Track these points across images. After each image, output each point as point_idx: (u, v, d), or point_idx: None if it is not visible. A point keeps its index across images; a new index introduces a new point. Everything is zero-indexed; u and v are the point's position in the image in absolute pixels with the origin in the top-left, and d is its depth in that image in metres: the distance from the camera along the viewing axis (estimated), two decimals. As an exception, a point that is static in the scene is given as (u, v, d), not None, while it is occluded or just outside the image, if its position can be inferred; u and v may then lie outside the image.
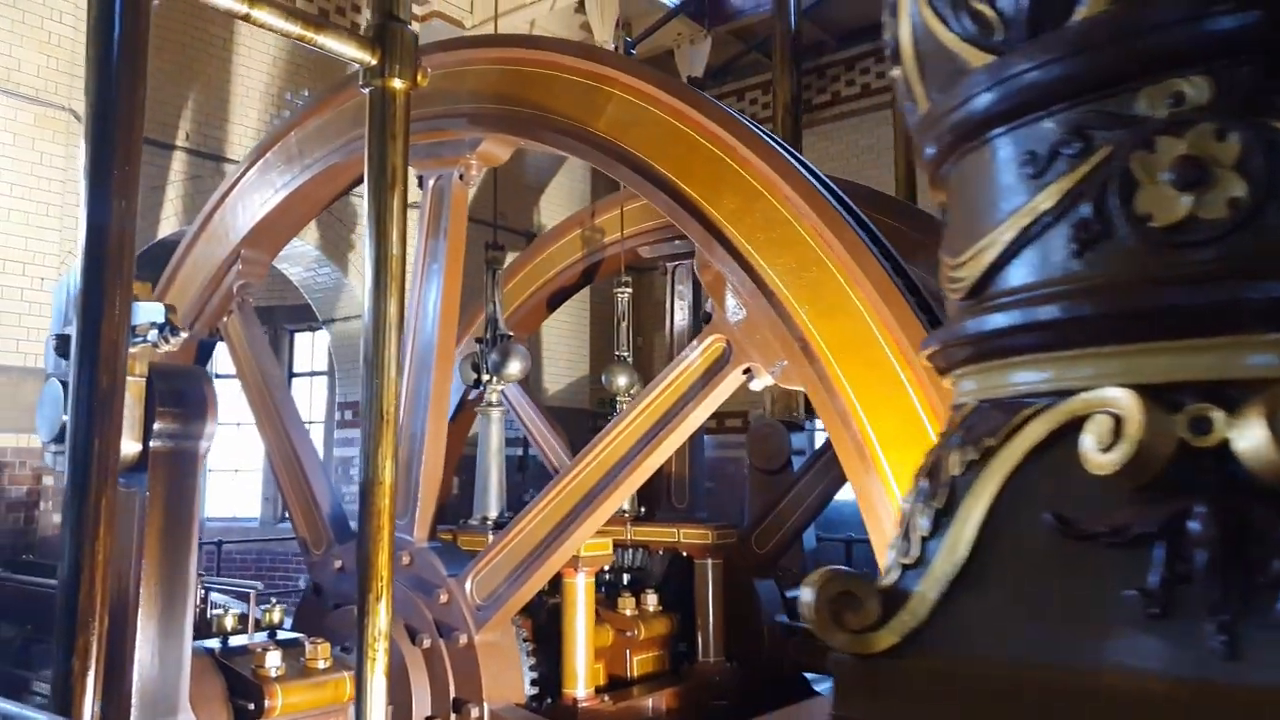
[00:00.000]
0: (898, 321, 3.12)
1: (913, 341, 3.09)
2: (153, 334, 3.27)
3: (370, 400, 3.21)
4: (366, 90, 3.35)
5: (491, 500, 5.18)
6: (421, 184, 4.82)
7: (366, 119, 3.38)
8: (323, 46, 3.22)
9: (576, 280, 7.19)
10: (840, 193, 3.45)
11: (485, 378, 5.24)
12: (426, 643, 4.32)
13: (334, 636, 4.41)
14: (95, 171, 2.61)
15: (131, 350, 3.13)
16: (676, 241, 6.66)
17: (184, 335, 3.41)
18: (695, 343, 3.74)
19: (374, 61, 3.30)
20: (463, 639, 4.23)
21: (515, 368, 5.08)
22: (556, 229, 7.27)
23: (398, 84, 3.28)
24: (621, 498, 4.04)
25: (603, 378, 5.98)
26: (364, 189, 2.95)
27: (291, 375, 10.22)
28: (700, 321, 6.80)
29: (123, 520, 3.27)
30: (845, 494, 6.70)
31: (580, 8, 8.95)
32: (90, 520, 2.54)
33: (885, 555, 3.16)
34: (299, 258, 8.37)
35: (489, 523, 5.11)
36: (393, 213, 3.29)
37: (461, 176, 4.67)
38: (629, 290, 6.15)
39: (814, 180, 3.40)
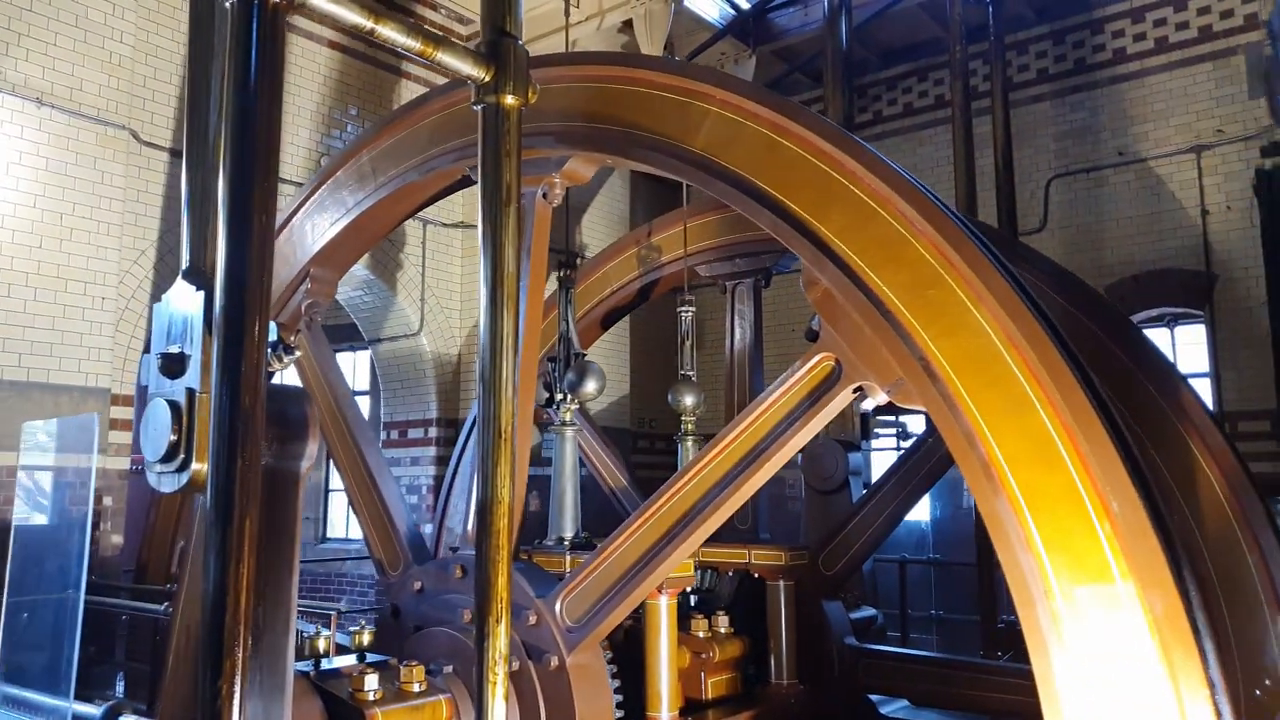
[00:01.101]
0: (1026, 339, 3.06)
1: (1042, 359, 3.04)
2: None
3: (487, 418, 3.16)
4: (479, 107, 3.33)
5: (567, 521, 5.12)
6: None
7: (479, 136, 3.35)
8: (440, 62, 3.20)
9: (632, 299, 7.17)
10: (952, 208, 3.41)
11: (559, 397, 5.19)
12: (514, 665, 4.25)
13: (414, 658, 4.35)
14: (234, 187, 2.57)
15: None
16: (738, 260, 6.66)
17: (297, 354, 3.38)
18: (802, 361, 3.68)
19: (487, 78, 3.27)
20: (553, 661, 4.16)
21: (591, 386, 5.03)
22: (612, 248, 7.25)
23: (511, 100, 3.26)
24: (720, 519, 3.98)
25: (669, 396, 5.93)
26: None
27: (332, 394, 10.19)
28: (760, 341, 6.78)
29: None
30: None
31: (624, 29, 8.98)
32: (235, 541, 2.49)
33: (1014, 578, 3.07)
34: (346, 278, 8.35)
35: (565, 543, 5.05)
36: (508, 230, 3.26)
37: (545, 195, 4.64)
38: (692, 309, 6.11)
39: (929, 195, 3.36)
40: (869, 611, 6.76)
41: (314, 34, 8.05)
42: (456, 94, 5.04)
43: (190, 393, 3.04)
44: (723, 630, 5.44)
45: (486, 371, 3.19)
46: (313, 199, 5.66)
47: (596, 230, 10.20)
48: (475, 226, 9.05)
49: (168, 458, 3.03)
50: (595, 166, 4.62)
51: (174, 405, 3.04)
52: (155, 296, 6.77)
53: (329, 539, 10.19)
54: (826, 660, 5.82)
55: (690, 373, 6.02)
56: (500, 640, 3.16)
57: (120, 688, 6.43)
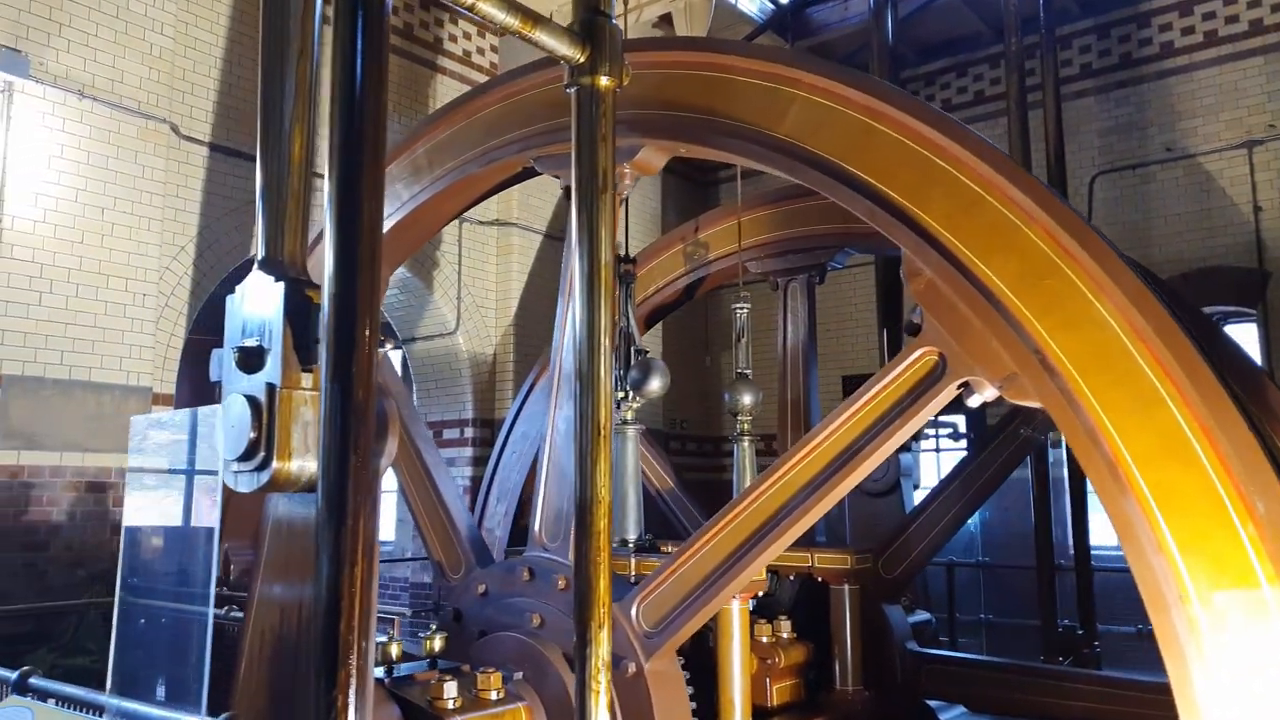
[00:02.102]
0: (1156, 332, 2.91)
1: (1174, 352, 2.88)
2: (352, 345, 3.09)
3: (585, 416, 3.01)
4: (572, 90, 3.18)
5: (630, 522, 4.97)
6: (569, 193, 4.64)
7: (573, 119, 3.20)
8: (537, 41, 3.06)
9: (678, 297, 7.04)
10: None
11: (620, 395, 5.05)
12: (588, 673, 4.10)
13: (482, 665, 4.20)
14: (342, 177, 2.40)
15: (319, 366, 2.95)
16: (791, 256, 6.52)
17: (389, 348, 3.24)
18: (902, 355, 3.53)
19: (582, 58, 3.13)
20: (631, 668, 4.01)
21: (656, 384, 4.88)
22: (656, 245, 7.12)
23: (605, 81, 3.11)
24: (808, 523, 3.82)
25: (725, 396, 5.78)
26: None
27: (362, 395, 10.05)
28: (814, 339, 6.63)
29: (305, 543, 3.08)
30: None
31: (660, 23, 8.85)
32: (349, 544, 2.34)
33: (1145, 583, 2.91)
34: (381, 275, 8.23)
35: (629, 545, 4.91)
36: (603, 218, 3.12)
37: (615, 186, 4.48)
38: (748, 306, 5.96)
39: (1041, 181, 3.21)
40: (923, 616, 6.60)
41: (351, 27, 7.92)
42: (517, 84, 4.90)
43: (270, 388, 2.90)
44: (785, 635, 5.30)
45: (584, 367, 3.03)
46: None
47: (632, 230, 10.06)
48: (512, 224, 8.95)
49: (247, 456, 2.88)
50: (667, 156, 4.47)
51: (253, 401, 2.89)
52: (195, 293, 6.64)
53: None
54: (889, 666, 5.67)
55: (748, 371, 5.87)
56: (603, 648, 3.00)
57: (161, 692, 6.29)
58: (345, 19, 2.33)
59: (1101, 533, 7.53)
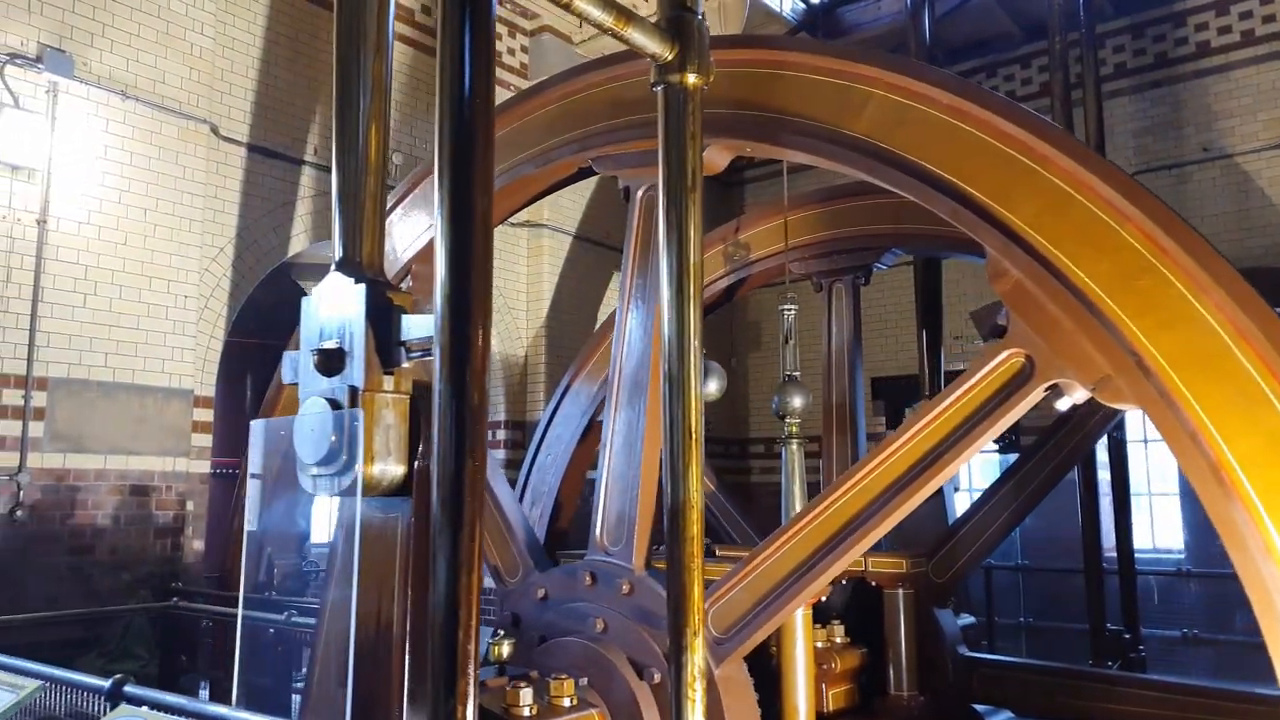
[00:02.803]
0: (1260, 331, 2.86)
1: (1280, 352, 2.83)
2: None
3: (675, 418, 2.97)
4: (659, 88, 3.14)
5: (686, 526, 4.91)
6: (628, 195, 4.60)
7: (661, 117, 3.16)
8: (627, 38, 3.03)
9: (719, 298, 6.98)
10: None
11: (675, 397, 4.98)
12: (656, 677, 4.05)
13: (544, 671, 4.15)
14: (454, 178, 2.36)
15: (404, 366, 2.90)
16: (836, 256, 6.46)
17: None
18: (987, 357, 3.48)
19: (670, 56, 3.09)
20: (700, 675, 3.95)
21: (713, 387, 4.85)
22: (719, 233, 7.02)
23: (694, 79, 3.08)
24: (887, 527, 3.76)
25: (774, 399, 5.72)
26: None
27: (390, 397, 10.02)
28: (859, 342, 6.57)
29: (386, 548, 3.04)
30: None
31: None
32: (466, 549, 2.29)
33: (1254, 589, 2.85)
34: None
35: (686, 550, 4.84)
36: (693, 219, 3.08)
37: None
38: (795, 307, 5.89)
39: (1134, 179, 3.16)
40: (968, 619, 6.55)
41: (385, 27, 7.88)
42: (574, 83, 4.85)
43: (353, 390, 2.85)
44: (839, 640, 5.24)
45: (674, 369, 3.00)
46: (414, 193, 5.47)
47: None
48: (543, 226, 8.90)
49: (328, 460, 2.83)
50: (731, 156, 4.42)
51: (334, 404, 2.84)
52: (234, 295, 6.59)
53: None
54: (941, 671, 5.62)
55: (796, 373, 5.82)
56: (698, 654, 2.96)
57: (205, 696, 6.23)
58: (452, 19, 2.29)
59: (1142, 536, 7.48)
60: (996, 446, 8.74)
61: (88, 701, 2.71)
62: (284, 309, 8.38)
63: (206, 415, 6.28)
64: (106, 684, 2.62)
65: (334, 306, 2.84)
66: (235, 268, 6.66)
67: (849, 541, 3.72)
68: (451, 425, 2.29)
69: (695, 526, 2.95)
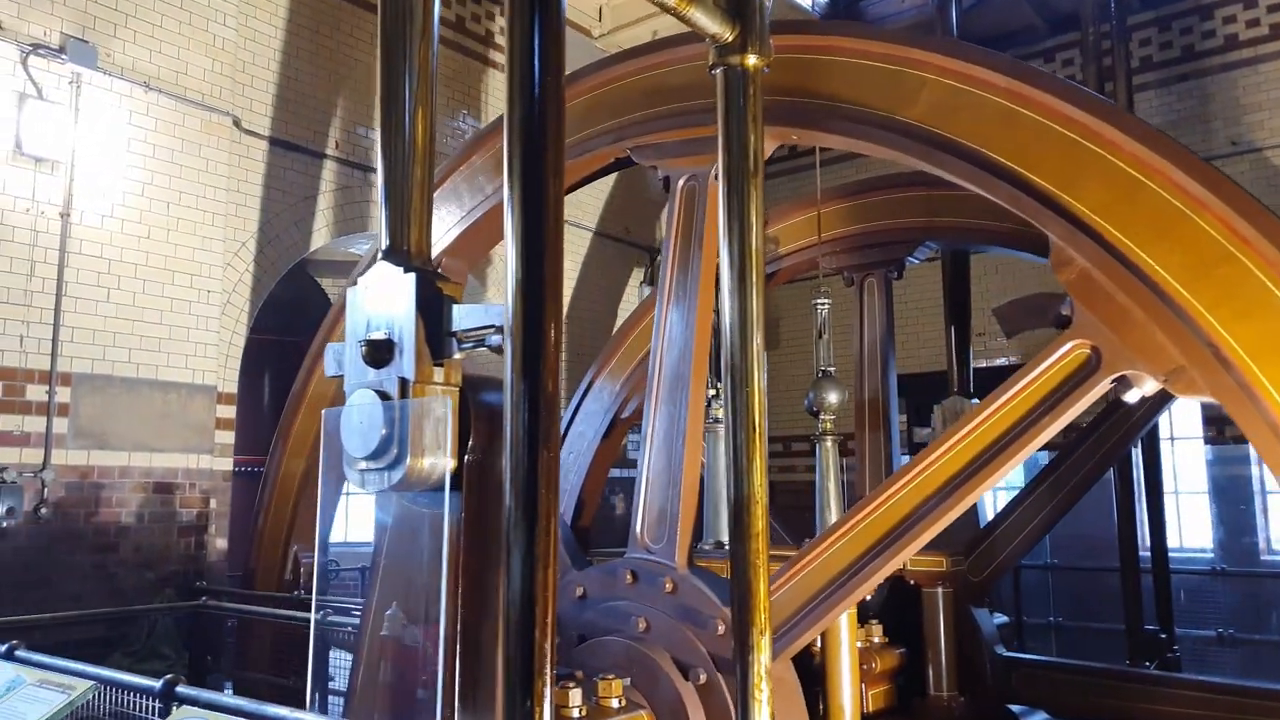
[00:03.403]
0: (1347, 320, 2.77)
1: (1369, 343, 2.74)
2: (494, 338, 2.94)
3: (738, 411, 2.88)
4: (718, 70, 3.05)
5: (724, 524, 4.83)
6: (668, 185, 4.50)
7: (720, 101, 3.08)
8: (690, 19, 2.95)
9: (745, 293, 6.85)
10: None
11: (712, 393, 4.91)
12: (702, 678, 3.96)
13: (586, 671, 4.06)
14: (525, 170, 2.28)
15: (455, 357, 2.80)
16: (868, 250, 6.37)
17: None
18: (1051, 349, 3.38)
19: (731, 37, 3.00)
20: (748, 675, 3.86)
21: (833, 398, 4.78)
22: (722, 240, 6.94)
23: (754, 61, 2.99)
24: (945, 523, 3.67)
25: (809, 394, 5.63)
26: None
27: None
28: (891, 337, 6.47)
29: (435, 544, 2.95)
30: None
31: (712, 16, 8.70)
32: (543, 544, 2.20)
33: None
34: (434, 272, 8.09)
35: (725, 548, 4.76)
36: (754, 204, 2.99)
37: (717, 175, 4.34)
38: (829, 302, 5.80)
39: (1209, 164, 3.07)
40: (1001, 618, 6.46)
41: (406, 20, 7.79)
42: (609, 72, 4.77)
43: (403, 382, 2.76)
44: (877, 640, 5.15)
45: (735, 359, 2.91)
46: (444, 186, 5.38)
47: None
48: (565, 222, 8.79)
49: (377, 453, 2.74)
50: (776, 144, 4.32)
51: (383, 396, 2.75)
52: (255, 290, 6.50)
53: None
54: (979, 670, 5.52)
55: (831, 369, 5.72)
56: (765, 654, 2.88)
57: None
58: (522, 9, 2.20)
59: (1174, 534, 7.38)
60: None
61: (133, 702, 2.62)
62: (301, 305, 8.29)
63: (229, 412, 6.19)
64: (158, 684, 2.53)
65: (381, 297, 2.75)
66: (257, 262, 6.57)
67: (905, 539, 3.63)
68: (525, 415, 2.20)
69: (760, 523, 2.86)
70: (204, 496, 5.86)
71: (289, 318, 7.88)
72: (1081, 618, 7.50)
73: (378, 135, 2.88)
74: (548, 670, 2.16)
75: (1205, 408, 8.16)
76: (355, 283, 2.81)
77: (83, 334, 5.40)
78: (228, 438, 6.17)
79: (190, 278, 5.91)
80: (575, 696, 3.48)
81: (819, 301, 5.95)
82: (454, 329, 2.79)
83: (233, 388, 6.30)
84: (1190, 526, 8.25)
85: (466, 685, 3.09)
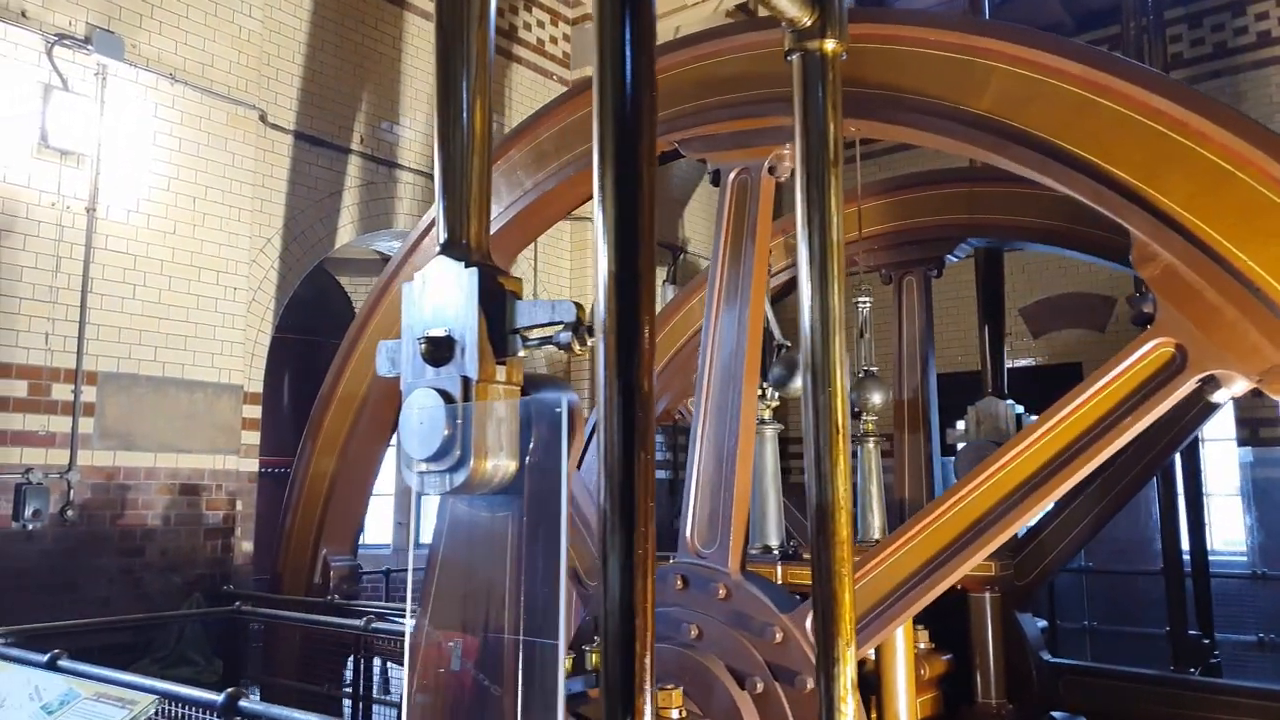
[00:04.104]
0: None
1: None
2: (563, 335, 2.81)
3: (820, 410, 2.76)
4: (795, 56, 2.93)
5: (771, 528, 4.70)
6: (717, 178, 4.38)
7: (797, 87, 2.96)
8: (770, 3, 2.83)
9: (779, 291, 6.76)
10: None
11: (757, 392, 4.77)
12: (759, 687, 3.83)
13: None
14: (618, 161, 2.17)
15: (519, 355, 2.68)
16: (907, 248, 6.25)
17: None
18: (1132, 347, 3.26)
19: (809, 21, 2.88)
20: (809, 684, 3.73)
21: (877, 399, 4.65)
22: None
23: (832, 46, 2.87)
24: (1018, 526, 3.56)
25: (851, 395, 5.50)
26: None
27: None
28: (931, 336, 6.36)
29: (497, 549, 2.83)
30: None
31: (736, 11, 8.60)
32: (641, 551, 2.08)
33: None
34: (456, 270, 7.97)
35: (773, 552, 4.63)
36: (833, 193, 2.87)
37: (772, 170, 4.24)
38: (870, 300, 5.67)
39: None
40: (1041, 623, 6.34)
41: (428, 12, 7.65)
42: (658, 62, 4.64)
43: (466, 381, 2.63)
44: (924, 646, 5.03)
45: (817, 357, 2.78)
46: (479, 179, 5.26)
47: (697, 223, 9.80)
48: (587, 218, 8.67)
49: (440, 455, 2.62)
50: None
51: (446, 396, 2.62)
52: (281, 288, 6.37)
53: (423, 544, 9.75)
54: (1025, 677, 5.40)
55: (874, 368, 5.60)
56: (851, 665, 2.75)
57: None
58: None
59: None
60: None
61: (192, 717, 2.50)
62: (320, 304, 8.16)
63: (255, 412, 6.06)
64: (220, 698, 2.40)
65: (440, 292, 2.63)
66: (282, 259, 6.44)
67: (977, 543, 3.51)
68: (620, 416, 2.08)
69: (845, 529, 2.73)
70: (230, 498, 5.73)
71: (307, 316, 7.75)
72: (1116, 622, 7.39)
73: (435, 125, 2.76)
74: (648, 686, 2.04)
75: (1239, 409, 8.05)
76: (412, 278, 2.69)
77: (108, 332, 5.27)
78: (253, 438, 6.04)
79: (216, 274, 5.78)
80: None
81: (860, 300, 5.82)
82: (517, 326, 2.67)
83: (258, 387, 6.18)
84: (1221, 529, 8.14)
85: (530, 697, 2.96)
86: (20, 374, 4.91)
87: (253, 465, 6.02)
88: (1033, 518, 3.49)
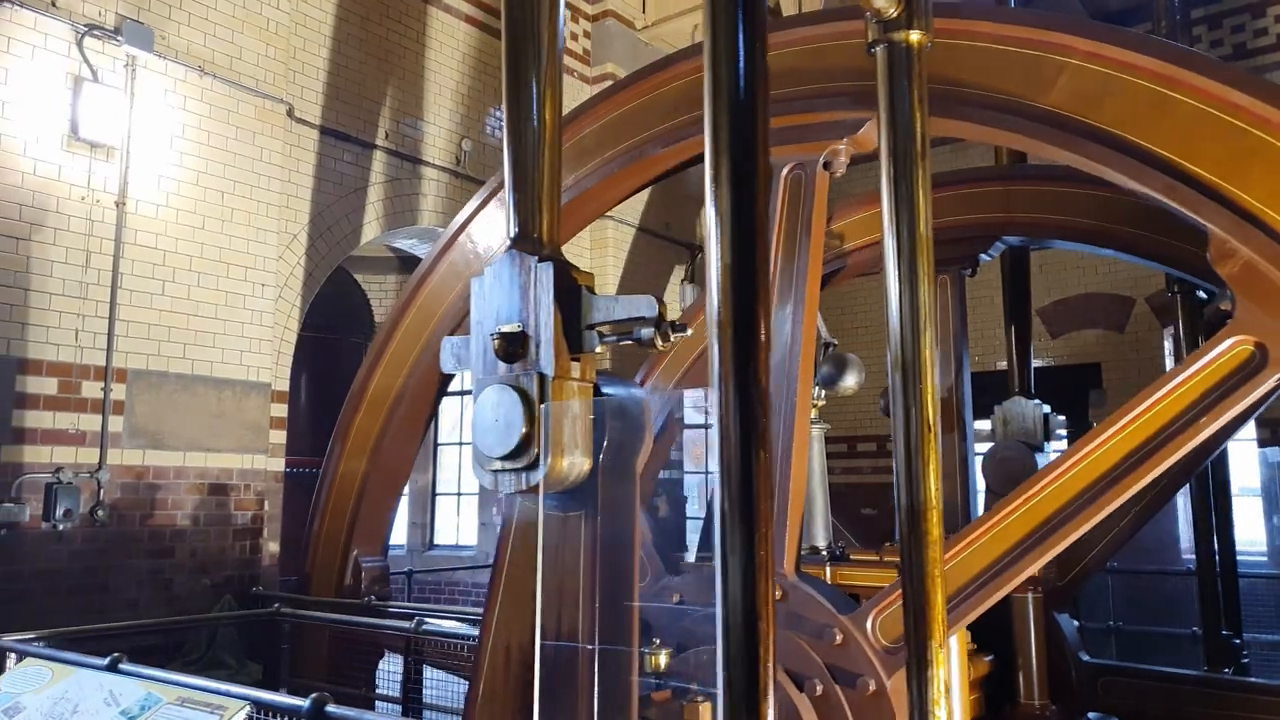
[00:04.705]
0: None
1: None
2: (644, 331, 2.75)
3: (910, 409, 2.70)
4: (879, 48, 2.87)
5: (819, 528, 4.65)
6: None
7: (882, 79, 2.90)
8: (862, -9, 2.77)
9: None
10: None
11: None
12: (819, 689, 3.78)
13: (683, 681, 3.88)
14: (734, 155, 2.10)
15: (597, 350, 2.61)
16: (941, 246, 6.18)
17: (689, 331, 2.92)
18: (1210, 345, 3.23)
19: (896, 11, 2.82)
20: (870, 686, 3.69)
21: (851, 380, 4.58)
22: (779, 236, 6.78)
23: (917, 37, 2.81)
24: (1089, 526, 3.52)
25: (881, 398, 5.46)
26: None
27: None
28: (965, 335, 6.32)
29: (571, 551, 2.77)
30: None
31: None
32: (762, 554, 2.02)
33: None
34: (477, 267, 7.88)
35: (821, 553, 4.58)
36: (922, 188, 2.81)
37: (827, 165, 4.18)
38: (908, 298, 5.60)
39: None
40: (1073, 623, 6.32)
41: (452, 8, 7.57)
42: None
43: (542, 378, 2.57)
44: (966, 647, 4.99)
45: (907, 355, 2.72)
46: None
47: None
48: (607, 218, 8.61)
49: (517, 453, 2.56)
50: (890, 133, 4.14)
51: (523, 393, 2.56)
52: (307, 285, 6.28)
53: (437, 545, 9.68)
54: (1064, 677, 5.38)
55: (913, 367, 5.53)
56: (944, 669, 2.69)
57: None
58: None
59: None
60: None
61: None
62: (339, 302, 8.07)
63: (282, 410, 5.97)
64: (306, 704, 2.33)
65: (513, 287, 2.57)
66: (309, 255, 6.35)
67: (1045, 544, 3.47)
68: (738, 414, 2.02)
69: (936, 530, 2.67)
70: (259, 498, 5.64)
71: (326, 314, 7.66)
72: (1141, 621, 7.37)
73: (505, 117, 2.70)
74: (771, 693, 1.99)
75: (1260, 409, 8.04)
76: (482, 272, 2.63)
77: (138, 328, 5.17)
78: (280, 437, 5.95)
79: (245, 270, 5.69)
80: (706, 713, 3.30)
81: (895, 299, 5.76)
82: (593, 321, 2.61)
83: (285, 385, 6.09)
84: (1241, 529, 8.13)
85: (607, 705, 2.90)
86: (50, 371, 4.81)
87: (279, 465, 5.93)
88: (1101, 516, 3.45)
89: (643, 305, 2.65)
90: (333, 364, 7.81)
